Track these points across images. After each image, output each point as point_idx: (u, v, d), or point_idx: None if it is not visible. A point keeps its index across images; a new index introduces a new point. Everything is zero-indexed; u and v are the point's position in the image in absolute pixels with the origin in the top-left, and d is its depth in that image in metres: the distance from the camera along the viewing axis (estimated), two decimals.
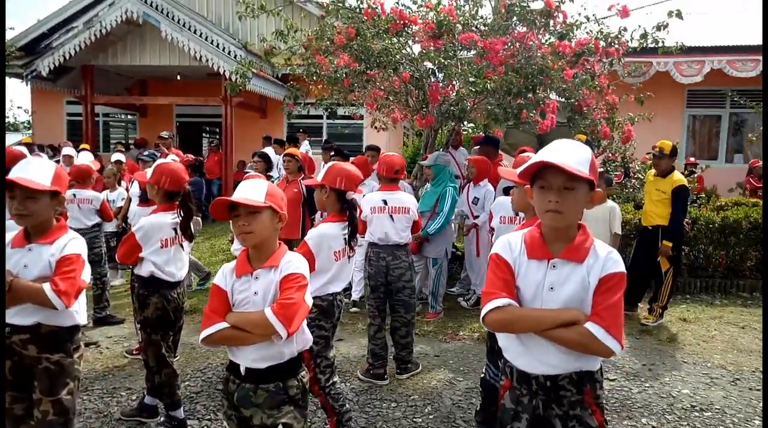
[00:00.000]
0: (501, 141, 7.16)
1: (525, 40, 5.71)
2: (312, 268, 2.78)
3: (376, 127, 7.60)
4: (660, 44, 5.85)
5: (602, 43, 5.90)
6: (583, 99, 5.97)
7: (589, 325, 1.65)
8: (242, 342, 2.01)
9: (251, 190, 2.04)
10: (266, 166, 6.58)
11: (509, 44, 5.75)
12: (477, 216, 5.83)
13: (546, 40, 6.07)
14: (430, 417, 3.59)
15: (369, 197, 4.27)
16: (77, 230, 5.05)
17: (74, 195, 5.30)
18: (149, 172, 4.49)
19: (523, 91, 5.46)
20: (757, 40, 9.97)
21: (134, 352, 4.56)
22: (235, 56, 10.37)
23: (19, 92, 50.80)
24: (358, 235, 3.21)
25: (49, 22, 12.37)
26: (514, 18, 6.00)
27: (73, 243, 2.35)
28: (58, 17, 12.37)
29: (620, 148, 8.43)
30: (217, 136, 14.19)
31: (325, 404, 3.02)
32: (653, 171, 5.60)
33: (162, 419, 3.35)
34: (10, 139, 14.51)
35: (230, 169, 11.32)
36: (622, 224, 5.40)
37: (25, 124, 12.93)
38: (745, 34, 10.48)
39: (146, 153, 7.41)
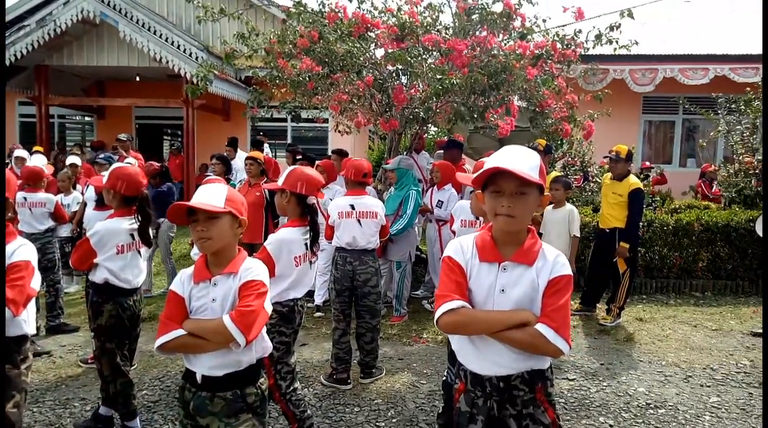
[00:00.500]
0: (464, 145, 7.25)
1: (486, 42, 5.80)
2: (272, 274, 2.75)
3: (339, 131, 7.59)
4: (614, 44, 6.00)
5: (559, 45, 6.03)
6: (544, 100, 6.10)
7: (540, 326, 1.69)
8: (199, 349, 1.97)
9: (210, 195, 2.00)
10: (225, 168, 6.49)
11: (471, 47, 5.83)
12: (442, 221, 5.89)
13: (506, 42, 6.18)
14: (393, 420, 3.59)
15: (336, 202, 4.25)
16: (29, 235, 4.92)
17: (25, 198, 5.11)
18: (105, 175, 4.40)
19: (487, 90, 5.54)
20: (707, 49, 10.40)
21: (89, 361, 4.40)
22: (197, 58, 10.20)
23: None
24: (324, 239, 3.19)
25: None
26: (475, 19, 6.10)
27: (21, 250, 2.26)
28: (9, 14, 11.92)
29: (579, 152, 8.65)
30: (179, 139, 13.92)
31: (286, 411, 2.99)
32: (610, 175, 5.76)
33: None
34: None
35: (192, 172, 11.11)
36: (580, 227, 5.54)
37: None
38: (695, 42, 10.91)
39: (102, 156, 7.21)
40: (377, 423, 3.55)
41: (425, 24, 6.07)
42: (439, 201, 5.93)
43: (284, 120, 12.08)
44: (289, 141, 11.99)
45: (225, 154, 7.52)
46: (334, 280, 4.11)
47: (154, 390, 3.95)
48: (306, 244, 2.94)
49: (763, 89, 6.24)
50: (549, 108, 6.30)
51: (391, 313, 5.63)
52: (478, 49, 5.91)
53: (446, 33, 6.30)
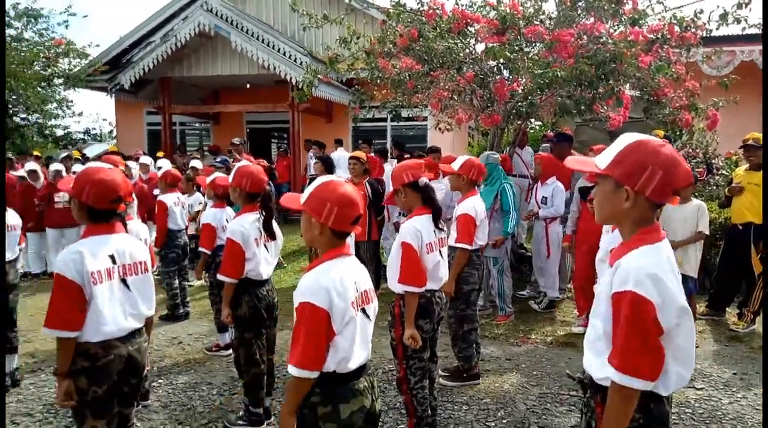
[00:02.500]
0: (573, 138, 6.93)
1: (593, 30, 5.51)
2: (416, 262, 2.82)
3: (440, 129, 7.57)
4: (742, 23, 5.41)
5: (677, 28, 5.59)
6: (660, 88, 5.68)
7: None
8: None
9: (306, 191, 2.01)
10: (325, 168, 6.73)
11: (577, 36, 5.57)
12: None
13: (616, 28, 5.84)
14: (504, 421, 3.54)
15: (473, 203, 3.97)
16: (177, 231, 5.46)
17: (178, 198, 5.63)
18: (210, 178, 4.73)
19: (595, 81, 5.26)
20: None
21: (213, 349, 4.76)
22: (301, 63, 10.63)
23: (103, 105, 54.38)
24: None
25: (129, 38, 13.15)
26: (580, 8, 5.81)
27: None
28: (137, 33, 13.13)
29: (701, 142, 7.97)
30: (285, 141, 14.60)
31: (408, 404, 3.02)
32: (743, 166, 5.26)
33: (242, 413, 3.47)
34: (97, 148, 15.54)
35: (299, 172, 11.61)
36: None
37: (110, 135, 13.75)
38: None
39: (219, 159, 7.75)
40: (487, 423, 3.51)
41: (527, 15, 5.90)
42: (543, 197, 5.74)
43: (384, 120, 12.28)
44: (388, 140, 12.17)
45: (315, 152, 7.79)
46: (475, 281, 3.96)
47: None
48: (434, 231, 2.96)
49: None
50: (666, 97, 5.86)
51: (496, 313, 5.53)
52: (585, 37, 5.64)
53: (549, 23, 6.08)
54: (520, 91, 5.70)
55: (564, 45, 5.20)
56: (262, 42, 10.92)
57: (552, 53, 5.42)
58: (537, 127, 12.09)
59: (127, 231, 2.55)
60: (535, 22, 5.76)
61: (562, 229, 5.77)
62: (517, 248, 7.07)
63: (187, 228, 5.94)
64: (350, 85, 11.38)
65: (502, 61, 5.71)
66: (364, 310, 1.97)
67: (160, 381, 4.18)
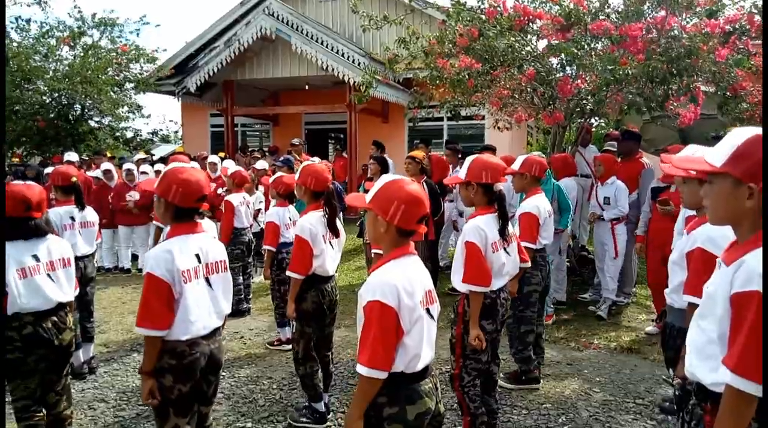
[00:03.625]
0: (640, 136, 6.65)
1: (665, 24, 5.27)
2: (480, 262, 2.80)
3: (498, 128, 7.46)
4: None
5: (757, 18, 5.25)
6: (738, 82, 5.36)
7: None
8: None
9: (371, 190, 2.02)
10: (381, 168, 6.76)
11: (646, 30, 5.34)
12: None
13: (689, 20, 5.55)
14: (565, 427, 3.44)
15: (544, 202, 3.96)
16: (242, 229, 5.63)
17: (244, 197, 5.82)
18: (273, 178, 4.84)
19: (668, 77, 5.03)
20: None
21: (275, 344, 4.89)
22: (359, 64, 10.73)
23: (170, 107, 57.02)
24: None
25: (195, 43, 13.69)
26: (650, 1, 5.57)
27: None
28: (203, 39, 13.65)
29: None
30: (342, 142, 14.79)
31: (461, 401, 3.00)
32: None
33: (303, 410, 3.53)
34: (164, 149, 16.26)
35: (355, 172, 11.73)
36: None
37: (176, 136, 14.37)
38: None
39: (281, 159, 7.94)
40: None
41: (593, 10, 5.72)
42: (605, 197, 5.55)
43: (440, 119, 12.22)
44: (444, 139, 12.08)
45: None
46: (537, 283, 3.91)
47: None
48: (498, 231, 2.91)
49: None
50: (744, 91, 5.53)
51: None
52: (655, 32, 5.41)
53: (615, 17, 5.86)
54: (585, 88, 5.52)
55: (633, 40, 5.00)
56: (322, 44, 11.09)
57: (619, 48, 5.23)
58: (602, 123, 11.70)
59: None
60: (601, 17, 5.56)
61: (626, 230, 5.56)
62: (579, 250, 6.87)
63: (251, 226, 6.11)
64: (407, 84, 11.41)
65: (565, 57, 5.55)
66: (428, 310, 1.95)
67: (223, 374, 4.31)
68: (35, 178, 8.25)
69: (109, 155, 10.43)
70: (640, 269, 6.18)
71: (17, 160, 10.78)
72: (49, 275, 2.85)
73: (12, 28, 11.30)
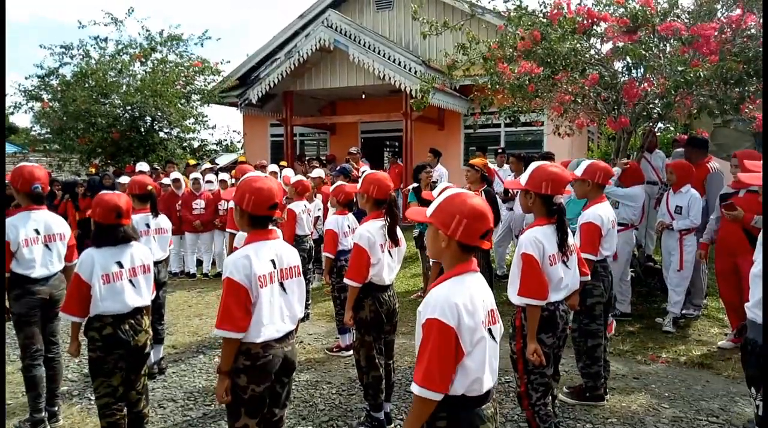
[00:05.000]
0: (708, 142, 6.35)
1: (740, 23, 5.01)
2: (537, 274, 2.75)
3: (559, 133, 7.30)
4: None
5: None
6: None
7: None
8: None
9: (433, 204, 1.95)
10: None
11: (720, 30, 5.10)
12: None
13: None
14: None
15: (608, 211, 3.79)
16: (304, 236, 5.75)
17: (305, 205, 5.98)
18: (334, 186, 4.91)
19: (744, 78, 4.77)
20: None
21: (334, 350, 4.96)
22: (416, 72, 10.79)
23: (232, 117, 59.40)
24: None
25: (257, 56, 14.18)
26: (722, 1, 5.32)
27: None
28: (264, 51, 14.13)
29: None
30: (397, 149, 14.86)
31: (530, 419, 2.93)
32: None
33: (363, 418, 3.56)
34: (227, 158, 16.85)
35: (410, 180, 11.76)
36: None
37: (239, 145, 14.86)
38: None
39: (338, 168, 8.08)
40: None
41: (661, 11, 5.52)
42: (677, 206, 5.30)
43: (498, 126, 12.09)
44: (502, 145, 11.94)
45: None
46: (600, 294, 3.77)
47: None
48: (557, 243, 2.82)
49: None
50: None
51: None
52: (729, 31, 5.15)
53: (686, 17, 5.63)
54: (652, 91, 5.32)
55: (705, 40, 4.78)
56: (378, 53, 11.23)
57: (690, 50, 5.01)
58: (671, 127, 11.23)
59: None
60: (670, 18, 5.36)
61: (695, 241, 5.30)
62: (645, 260, 6.60)
63: (312, 233, 6.24)
64: (463, 92, 11.37)
65: (632, 60, 5.38)
66: (490, 331, 1.86)
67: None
68: (111, 186, 8.77)
69: (193, 162, 10.75)
70: (711, 280, 5.87)
71: (94, 169, 11.46)
72: (130, 281, 3.05)
73: (91, 46, 12.07)
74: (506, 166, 8.10)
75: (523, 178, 2.90)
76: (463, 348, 1.75)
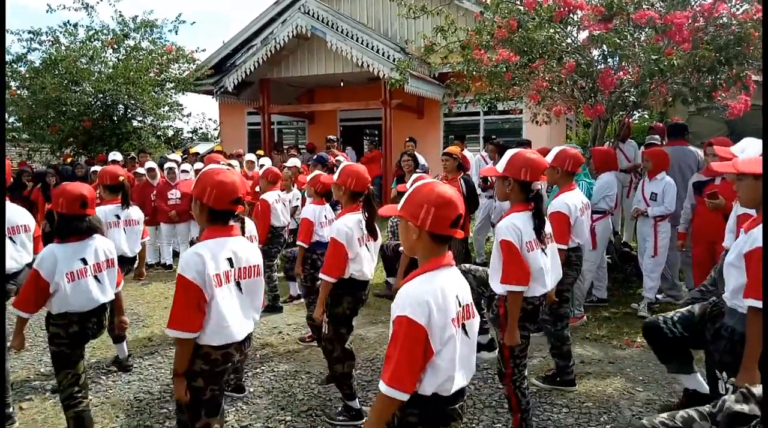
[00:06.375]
0: (687, 127, 6.42)
1: (713, 11, 5.06)
2: (517, 260, 2.74)
3: (537, 121, 7.33)
4: None
5: None
6: None
7: None
8: None
9: (403, 197, 1.91)
10: (414, 164, 6.77)
11: (693, 18, 5.15)
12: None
13: (738, 7, 5.33)
14: (607, 426, 3.36)
15: (576, 199, 3.79)
16: (280, 228, 5.71)
17: (279, 195, 5.89)
18: (311, 176, 4.85)
19: (716, 66, 4.83)
20: None
21: (306, 339, 4.93)
22: (394, 60, 10.71)
23: (208, 106, 58.27)
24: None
25: (232, 43, 13.93)
26: None
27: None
28: (240, 38, 13.88)
29: None
30: (377, 137, 14.81)
31: (510, 395, 2.97)
32: None
33: (340, 409, 3.55)
34: (203, 147, 16.61)
35: (390, 168, 11.73)
36: None
37: (214, 135, 14.65)
38: None
39: (315, 157, 8.01)
40: (589, 427, 3.36)
41: (636, 0, 5.55)
42: (652, 193, 5.37)
43: (476, 114, 12.11)
44: (481, 134, 11.97)
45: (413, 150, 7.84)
46: (571, 282, 3.89)
47: (366, 371, 4.26)
48: (534, 230, 2.81)
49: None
50: None
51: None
52: (702, 20, 5.21)
53: (660, 5, 5.67)
54: (627, 80, 5.36)
55: (678, 28, 4.82)
56: (356, 40, 11.12)
57: (664, 38, 5.06)
58: (645, 117, 11.37)
59: (245, 231, 2.66)
60: (645, 6, 5.39)
61: (669, 227, 5.38)
62: (621, 246, 6.70)
63: (288, 224, 6.17)
64: (443, 79, 11.34)
65: (607, 49, 5.41)
66: (464, 326, 1.83)
67: (262, 368, 4.40)
68: (83, 176, 8.56)
69: (186, 154, 10.55)
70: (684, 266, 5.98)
71: (69, 160, 11.18)
72: (95, 276, 2.98)
73: (60, 32, 11.71)
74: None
75: (501, 165, 2.89)
76: (432, 346, 1.71)
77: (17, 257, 3.51)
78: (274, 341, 5.02)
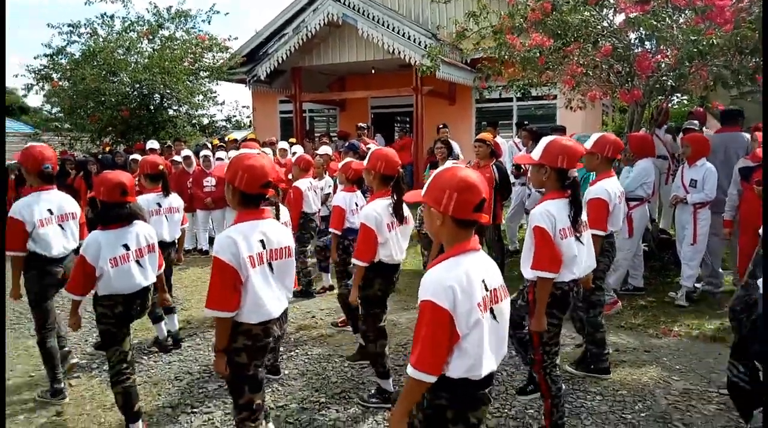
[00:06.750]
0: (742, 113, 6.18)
1: None
2: (550, 247, 2.73)
3: (571, 107, 7.20)
4: None
5: None
6: None
7: None
8: None
9: (427, 182, 1.93)
10: (448, 151, 6.70)
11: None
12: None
13: None
14: (642, 415, 3.33)
15: (615, 185, 3.74)
16: (312, 214, 5.77)
17: (311, 182, 5.97)
18: (342, 163, 4.89)
19: (759, 47, 4.66)
20: None
21: (339, 325, 5.01)
22: (426, 46, 10.63)
23: (242, 94, 59.06)
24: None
25: (264, 32, 14.04)
26: None
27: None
28: (272, 27, 13.98)
29: None
30: (407, 124, 14.76)
31: (541, 382, 2.97)
32: None
33: (373, 391, 3.61)
34: (237, 135, 16.85)
35: (421, 155, 11.70)
36: None
37: (247, 123, 14.84)
38: None
39: (347, 144, 8.05)
40: (623, 415, 3.33)
41: None
42: (692, 180, 5.24)
43: (509, 100, 11.94)
44: (514, 120, 11.81)
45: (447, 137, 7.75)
46: (604, 269, 3.82)
47: (398, 356, 4.30)
48: (569, 217, 2.80)
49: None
50: None
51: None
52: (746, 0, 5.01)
53: None
54: (666, 63, 5.22)
55: (720, 10, 4.65)
56: (387, 27, 11.07)
57: (705, 20, 4.89)
58: (684, 102, 11.03)
59: (279, 217, 2.74)
60: None
61: (710, 215, 5.24)
62: (658, 234, 6.56)
63: (319, 210, 6.25)
64: (474, 65, 11.21)
65: (644, 32, 5.26)
66: (492, 311, 1.82)
67: (297, 351, 4.50)
68: (123, 164, 8.81)
69: (219, 142, 10.79)
70: (728, 255, 5.83)
71: (108, 148, 11.51)
72: (137, 261, 3.13)
73: (98, 24, 12.01)
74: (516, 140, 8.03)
75: (536, 153, 2.87)
76: (458, 330, 1.72)
77: (65, 243, 3.67)
78: (308, 325, 5.11)
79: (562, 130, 6.82)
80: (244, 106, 14.02)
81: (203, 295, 6.02)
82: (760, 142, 4.75)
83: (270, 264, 2.48)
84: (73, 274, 3.05)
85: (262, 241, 2.44)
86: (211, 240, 8.66)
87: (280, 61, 11.75)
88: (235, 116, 13.81)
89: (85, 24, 11.91)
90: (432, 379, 1.73)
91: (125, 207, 3.09)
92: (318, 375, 4.04)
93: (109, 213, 3.06)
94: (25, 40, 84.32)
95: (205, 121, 13.18)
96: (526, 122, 8.83)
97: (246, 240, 2.38)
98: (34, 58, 11.70)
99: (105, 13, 12.13)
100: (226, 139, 11.44)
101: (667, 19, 5.33)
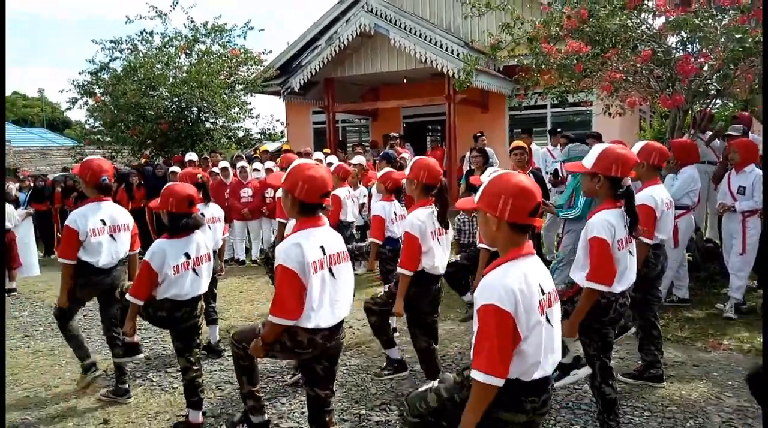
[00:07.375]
0: None
1: None
2: (609, 259, 2.68)
3: (610, 113, 7.06)
4: None
5: None
6: None
7: None
8: None
9: (479, 189, 1.95)
10: (484, 159, 6.66)
11: None
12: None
13: None
14: None
15: (662, 193, 3.68)
16: (348, 223, 5.83)
17: (348, 191, 6.02)
18: (381, 172, 4.90)
19: None
20: None
21: None
22: (458, 55, 10.61)
23: (275, 106, 60.39)
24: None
25: (297, 44, 14.23)
26: None
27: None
28: (305, 39, 14.16)
29: None
30: (439, 133, 14.72)
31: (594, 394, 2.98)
32: None
33: (385, 364, 3.83)
34: (271, 147, 17.11)
35: (454, 164, 11.64)
36: None
37: (281, 134, 15.08)
38: None
39: (381, 154, 8.07)
40: None
41: None
42: (740, 187, 5.06)
43: (543, 107, 11.80)
44: (548, 127, 11.66)
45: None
46: (658, 275, 3.79)
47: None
48: (626, 226, 2.75)
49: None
50: None
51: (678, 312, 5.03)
52: None
53: None
54: (709, 65, 5.07)
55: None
56: (420, 36, 11.10)
57: (750, 18, 4.74)
58: (729, 106, 10.68)
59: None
60: None
61: (759, 223, 5.05)
62: (704, 243, 6.35)
63: (355, 220, 6.28)
64: (508, 73, 11.12)
65: (686, 35, 5.14)
66: (547, 315, 1.84)
67: None
68: (163, 176, 9.03)
69: (264, 151, 11.06)
70: None
71: (145, 160, 11.84)
72: (194, 269, 3.25)
73: (138, 40, 12.40)
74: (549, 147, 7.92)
75: (589, 161, 2.81)
76: (520, 332, 1.75)
77: (114, 254, 3.78)
78: (346, 336, 5.10)
79: (597, 137, 6.69)
80: (277, 120, 14.23)
81: (240, 305, 6.15)
82: None
83: (330, 270, 2.53)
84: (139, 280, 3.19)
85: (322, 247, 2.50)
86: (247, 251, 8.77)
87: (314, 73, 11.89)
88: (269, 130, 14.03)
89: (126, 40, 12.32)
90: (500, 383, 1.75)
91: (191, 217, 3.20)
92: (357, 386, 4.03)
93: (178, 223, 3.18)
94: (71, 57, 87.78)
95: (241, 133, 13.44)
96: (559, 129, 8.73)
97: (309, 247, 2.44)
98: (79, 73, 12.09)
99: (144, 30, 12.53)
100: (259, 150, 11.63)
101: (710, 19, 5.20)
